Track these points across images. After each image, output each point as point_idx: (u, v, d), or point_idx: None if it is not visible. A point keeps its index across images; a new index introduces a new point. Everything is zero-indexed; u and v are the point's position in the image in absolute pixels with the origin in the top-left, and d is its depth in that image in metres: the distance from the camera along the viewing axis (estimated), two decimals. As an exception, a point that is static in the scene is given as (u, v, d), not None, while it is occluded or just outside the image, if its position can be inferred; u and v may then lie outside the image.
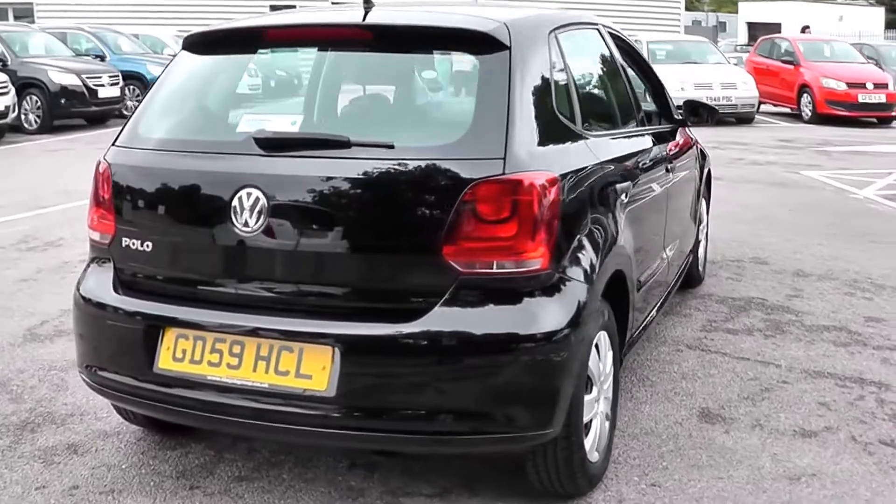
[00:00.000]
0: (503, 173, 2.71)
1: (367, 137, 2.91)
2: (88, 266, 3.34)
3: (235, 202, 2.86)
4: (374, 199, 2.80)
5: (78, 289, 3.31)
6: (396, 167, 2.78)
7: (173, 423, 3.59)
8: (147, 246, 3.06)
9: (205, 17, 28.30)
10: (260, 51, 3.37)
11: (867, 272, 6.42)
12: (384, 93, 3.31)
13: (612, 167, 3.49)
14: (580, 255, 2.98)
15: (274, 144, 2.91)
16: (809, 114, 18.08)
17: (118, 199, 3.14)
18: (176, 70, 3.38)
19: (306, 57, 3.43)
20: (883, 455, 3.56)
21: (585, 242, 3.03)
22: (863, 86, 17.61)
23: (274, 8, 31.73)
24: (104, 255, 3.24)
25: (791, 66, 18.84)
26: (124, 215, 3.14)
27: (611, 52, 4.12)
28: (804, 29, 28.33)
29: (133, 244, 3.09)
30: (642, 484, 3.32)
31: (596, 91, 3.89)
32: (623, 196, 3.52)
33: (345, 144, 2.84)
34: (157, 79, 3.37)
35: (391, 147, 2.81)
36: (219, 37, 3.37)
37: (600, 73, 4.01)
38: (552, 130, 3.05)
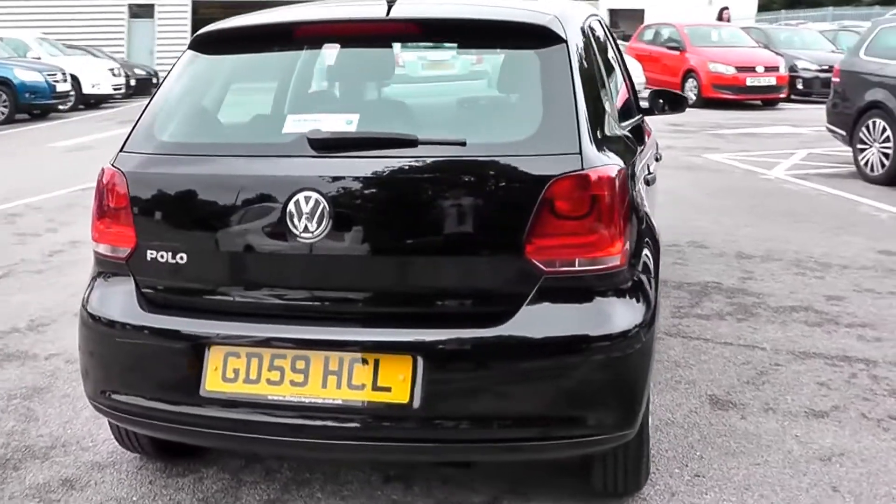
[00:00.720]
0: (581, 168, 2.64)
1: (432, 135, 2.78)
2: (94, 281, 3.07)
3: (291, 207, 2.66)
4: (448, 198, 2.66)
5: (85, 307, 3.03)
6: (471, 165, 2.66)
7: (175, 448, 3.38)
8: (181, 258, 2.82)
9: (65, 18, 27.10)
10: (289, 48, 3.17)
11: (807, 251, 6.63)
12: (440, 89, 3.17)
13: (639, 158, 3.49)
14: (644, 250, 2.96)
15: (331, 145, 2.73)
16: (694, 98, 18.65)
17: (139, 208, 2.88)
18: (188, 70, 3.14)
19: (342, 55, 3.23)
20: (899, 430, 3.67)
21: (645, 237, 3.02)
22: (752, 69, 18.30)
23: (132, 9, 30.12)
24: (117, 269, 2.97)
25: (676, 52, 19.41)
26: (148, 226, 2.88)
27: (610, 43, 4.11)
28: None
29: (162, 257, 2.84)
30: (685, 475, 3.31)
31: (615, 82, 3.87)
32: (646, 186, 3.52)
33: (412, 143, 2.69)
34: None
35: (463, 144, 2.69)
36: (240, 34, 3.14)
37: (612, 63, 4.00)
38: (605, 123, 3.01)
